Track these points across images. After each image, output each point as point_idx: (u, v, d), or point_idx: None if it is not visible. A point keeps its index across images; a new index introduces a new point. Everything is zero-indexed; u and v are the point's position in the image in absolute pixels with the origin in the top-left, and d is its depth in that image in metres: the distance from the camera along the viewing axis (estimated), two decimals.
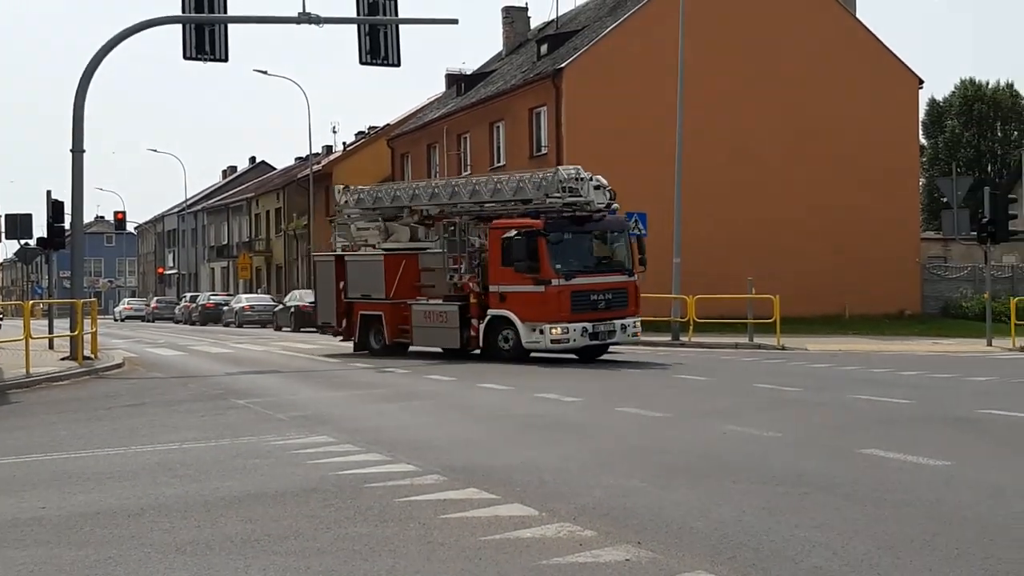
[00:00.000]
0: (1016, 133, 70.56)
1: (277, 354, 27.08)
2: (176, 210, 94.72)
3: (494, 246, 21.75)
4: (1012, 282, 40.41)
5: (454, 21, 25.35)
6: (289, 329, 43.53)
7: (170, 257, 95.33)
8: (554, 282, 20.83)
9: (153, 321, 66.81)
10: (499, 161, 42.95)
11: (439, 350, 23.76)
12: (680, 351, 26.48)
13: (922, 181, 59.15)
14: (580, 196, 21.41)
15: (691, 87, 31.93)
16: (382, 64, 24.00)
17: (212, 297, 61.06)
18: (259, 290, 66.41)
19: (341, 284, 25.33)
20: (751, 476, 8.63)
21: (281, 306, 46.96)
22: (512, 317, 21.46)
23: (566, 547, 6.43)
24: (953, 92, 73.24)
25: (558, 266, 20.89)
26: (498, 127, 43.08)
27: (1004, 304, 30.83)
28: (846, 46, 40.44)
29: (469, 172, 44.86)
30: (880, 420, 12.19)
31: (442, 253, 23.63)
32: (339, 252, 25.94)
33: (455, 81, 51.47)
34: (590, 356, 22.22)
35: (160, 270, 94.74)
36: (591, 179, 21.66)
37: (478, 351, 22.40)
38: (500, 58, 50.75)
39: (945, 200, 29.56)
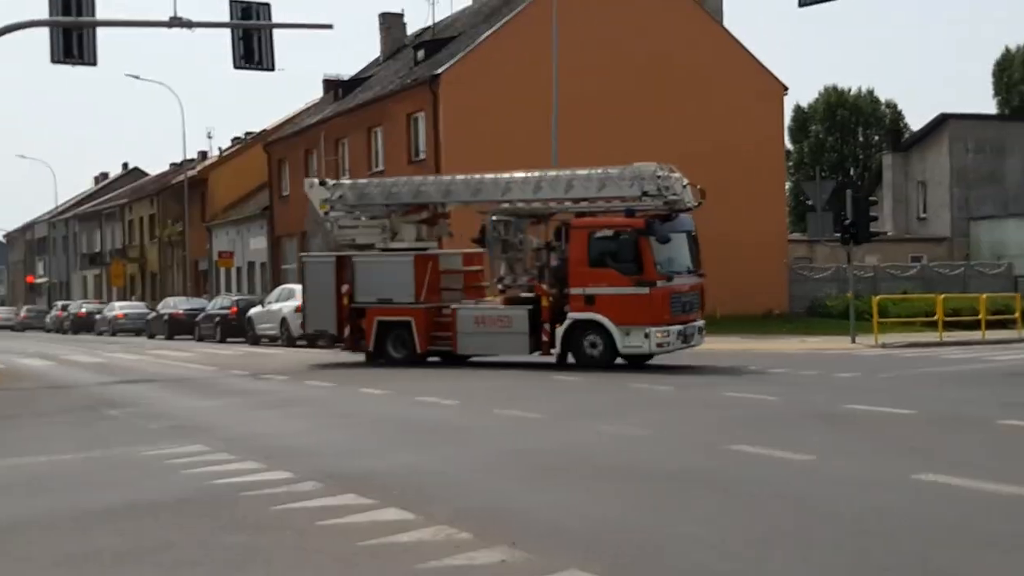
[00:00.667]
0: (876, 138, 72.90)
1: (151, 363, 26.46)
2: (47, 217, 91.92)
3: (578, 246, 20.06)
4: (874, 281, 41.65)
5: (328, 26, 25.11)
6: (163, 337, 42.67)
7: (40, 265, 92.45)
8: (659, 284, 19.59)
9: (23, 331, 64.70)
10: (378, 166, 42.73)
11: (495, 357, 21.61)
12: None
13: (788, 185, 60.81)
14: (676, 195, 20.27)
15: (566, 93, 32.20)
16: (256, 68, 23.63)
17: (85, 305, 59.40)
18: (132, 298, 64.82)
19: (344, 287, 22.40)
20: (625, 475, 8.74)
21: (155, 314, 45.97)
22: (604, 321, 19.78)
23: (443, 550, 6.42)
24: (817, 98, 75.44)
25: (659, 267, 19.75)
26: (376, 132, 42.84)
27: (867, 303, 31.83)
28: (714, 54, 41.23)
29: (348, 176, 44.58)
30: (749, 417, 12.46)
31: (480, 253, 22.53)
32: (340, 252, 23.12)
33: (333, 86, 51.03)
34: (639, 362, 20.70)
35: (30, 279, 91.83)
36: (679, 177, 20.59)
37: (551, 357, 20.53)
38: (378, 63, 50.51)
39: (810, 203, 30.33)
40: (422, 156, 39.34)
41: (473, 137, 37.10)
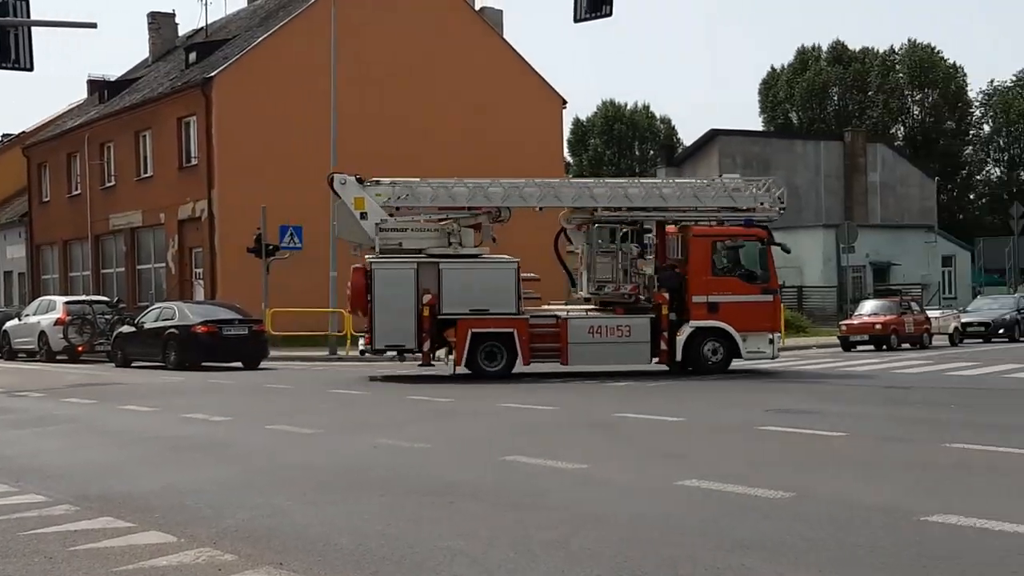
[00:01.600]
0: (652, 152, 75.57)
1: None
2: None
3: (700, 254, 21.21)
4: None
5: (92, 25, 24.07)
6: None
7: None
8: (779, 291, 21.58)
9: None
10: (146, 172, 41.36)
11: (614, 368, 21.44)
12: (338, 365, 26.42)
13: None
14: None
15: (346, 100, 32.01)
16: (13, 68, 22.44)
17: None
18: None
19: (426, 297, 20.80)
20: (400, 488, 8.71)
21: None
22: (728, 329, 20.97)
23: (204, 573, 6.22)
24: (595, 112, 77.61)
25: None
26: (145, 136, 41.43)
27: None
28: (493, 65, 41.79)
29: (114, 182, 42.94)
30: (526, 427, 12.65)
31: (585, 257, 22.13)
32: (426, 257, 21.26)
33: (98, 87, 49.05)
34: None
35: None
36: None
37: (667, 366, 21.13)
38: (147, 65, 48.87)
39: None
40: (194, 161, 38.32)
41: (248, 142, 36.44)
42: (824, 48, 73.82)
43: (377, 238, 21.17)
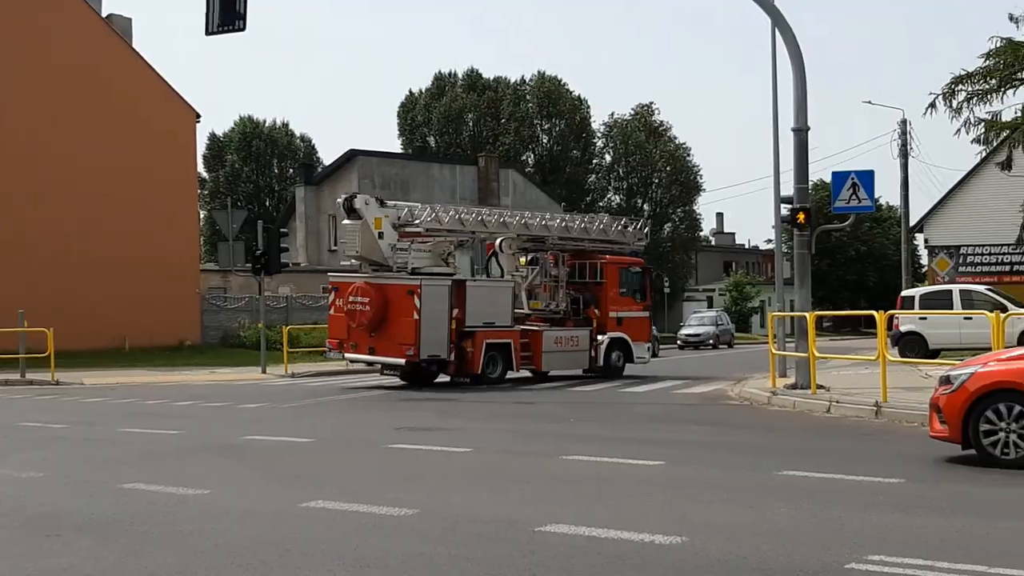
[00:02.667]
0: (292, 170, 74.89)
1: None
2: None
3: (613, 278, 25.93)
4: (287, 312, 42.75)
5: None
6: None
7: None
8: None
9: None
10: None
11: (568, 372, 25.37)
12: None
13: (204, 213, 60.61)
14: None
15: None
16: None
17: None
18: None
19: (456, 311, 22.73)
20: (3, 522, 8.12)
21: None
22: (627, 338, 25.88)
23: None
24: (233, 128, 76.03)
25: None
26: None
27: (278, 333, 32.61)
28: (122, 75, 39.99)
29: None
30: (149, 453, 12.14)
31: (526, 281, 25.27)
32: (458, 276, 24.26)
33: None
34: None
35: None
36: None
37: (593, 372, 25.31)
38: None
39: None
40: None
41: None
42: (460, 75, 76.15)
43: (390, 257, 22.99)
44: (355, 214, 22.88)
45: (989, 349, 13.78)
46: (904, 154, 44.52)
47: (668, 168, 73.53)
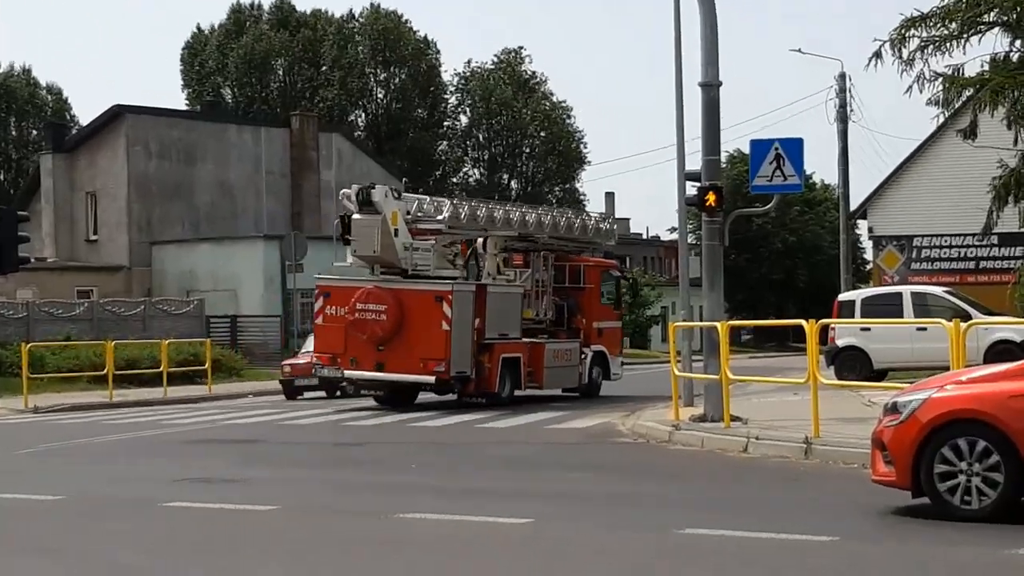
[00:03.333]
0: (36, 131, 73.09)
1: None
2: None
3: (595, 283, 27.75)
4: (28, 323, 41.41)
5: None
6: None
7: None
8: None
9: None
10: None
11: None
12: None
13: None
14: None
15: None
16: None
17: None
18: None
19: (477, 321, 24.62)
20: None
21: None
22: (606, 352, 27.83)
23: None
24: None
25: None
26: None
27: (16, 353, 31.52)
28: None
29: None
30: None
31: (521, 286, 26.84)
32: (480, 280, 25.63)
33: None
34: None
35: None
36: None
37: (577, 391, 27.34)
38: None
39: None
40: None
41: None
42: (266, 7, 75.50)
43: (402, 256, 24.08)
44: (371, 208, 24.05)
45: (947, 368, 14.09)
46: (843, 118, 44.62)
47: (542, 134, 74.31)
